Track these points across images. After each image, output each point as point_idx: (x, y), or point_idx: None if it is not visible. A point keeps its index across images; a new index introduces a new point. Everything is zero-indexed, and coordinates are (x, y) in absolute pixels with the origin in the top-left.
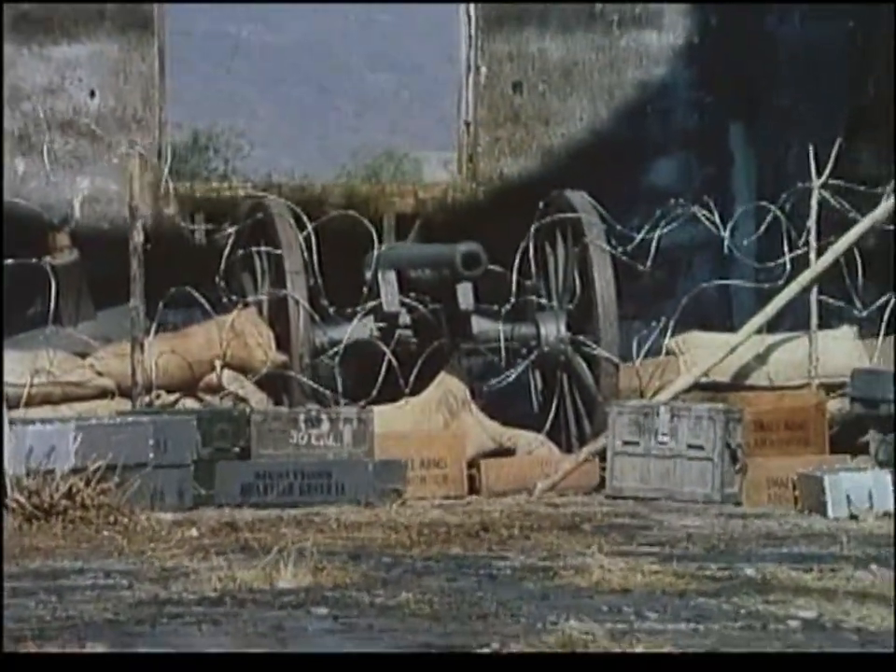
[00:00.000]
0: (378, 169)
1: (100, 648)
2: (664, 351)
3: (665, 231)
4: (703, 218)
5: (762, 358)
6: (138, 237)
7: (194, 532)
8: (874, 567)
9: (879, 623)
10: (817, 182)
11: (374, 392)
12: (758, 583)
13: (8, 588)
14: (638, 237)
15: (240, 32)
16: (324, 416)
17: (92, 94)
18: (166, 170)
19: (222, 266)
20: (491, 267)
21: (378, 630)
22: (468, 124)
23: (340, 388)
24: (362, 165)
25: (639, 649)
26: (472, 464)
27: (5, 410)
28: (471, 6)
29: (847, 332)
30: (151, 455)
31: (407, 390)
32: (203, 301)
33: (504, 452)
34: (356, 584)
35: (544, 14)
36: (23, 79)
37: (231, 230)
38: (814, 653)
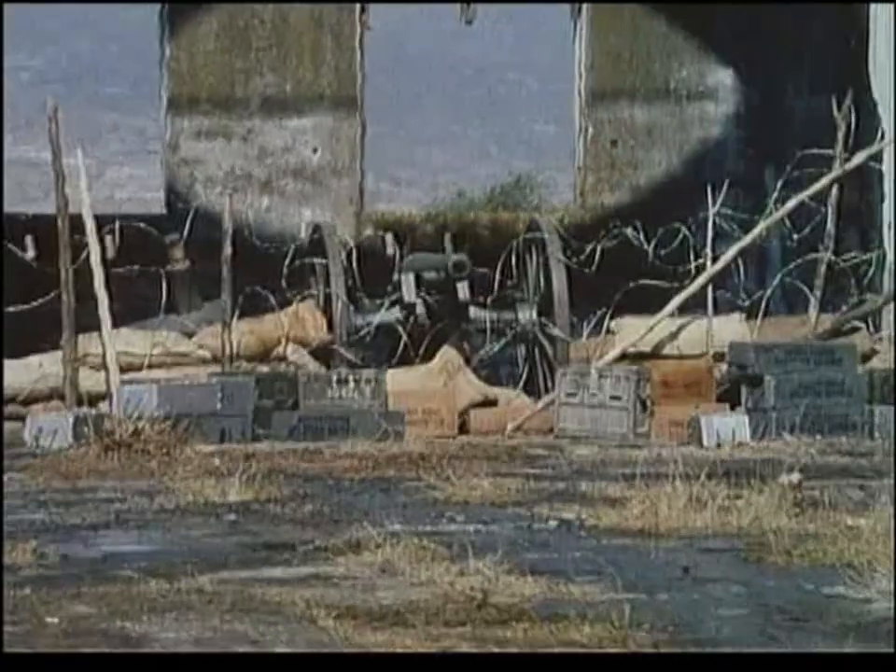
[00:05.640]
0: None
1: (32, 543)
2: (604, 330)
3: (607, 245)
4: (632, 237)
5: (673, 335)
6: (228, 250)
7: (216, 461)
8: (676, 482)
9: (606, 521)
10: (713, 210)
11: (395, 360)
12: (571, 495)
13: (36, 499)
14: (588, 249)
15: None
16: (350, 377)
17: (315, 151)
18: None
19: (285, 271)
20: (481, 270)
21: (244, 531)
22: (579, 169)
23: (372, 357)
24: None
25: (401, 547)
26: (465, 412)
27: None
28: (583, 86)
29: (735, 317)
30: (219, 406)
31: (418, 359)
32: (270, 297)
33: (489, 403)
34: (280, 499)
35: (633, 91)
36: (268, 142)
37: (292, 245)
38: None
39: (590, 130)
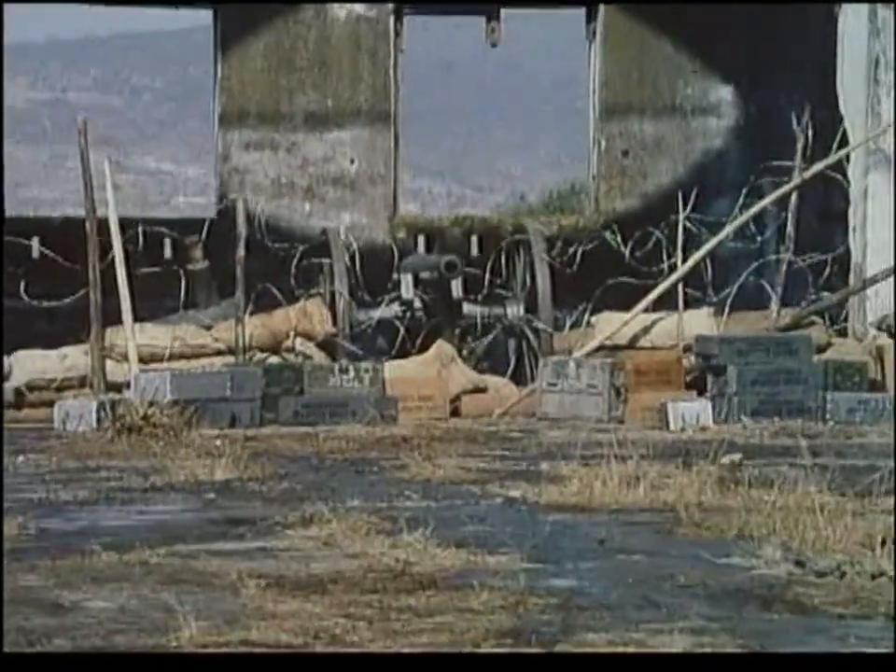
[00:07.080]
0: None
1: (19, 519)
2: (584, 324)
3: (589, 247)
4: (610, 240)
5: (647, 329)
6: (241, 252)
7: (218, 442)
8: (630, 460)
9: (546, 498)
10: (682, 214)
11: (394, 352)
12: (527, 474)
13: (42, 478)
14: (571, 251)
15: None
16: (351, 367)
17: (352, 161)
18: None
19: (293, 270)
20: (472, 270)
21: (216, 507)
22: (594, 177)
23: (373, 348)
24: None
25: (347, 522)
26: (457, 399)
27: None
28: (596, 102)
29: (703, 312)
30: (229, 393)
31: (415, 351)
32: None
33: (480, 390)
34: (261, 478)
35: (643, 107)
36: (310, 153)
37: (301, 247)
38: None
39: (603, 142)
